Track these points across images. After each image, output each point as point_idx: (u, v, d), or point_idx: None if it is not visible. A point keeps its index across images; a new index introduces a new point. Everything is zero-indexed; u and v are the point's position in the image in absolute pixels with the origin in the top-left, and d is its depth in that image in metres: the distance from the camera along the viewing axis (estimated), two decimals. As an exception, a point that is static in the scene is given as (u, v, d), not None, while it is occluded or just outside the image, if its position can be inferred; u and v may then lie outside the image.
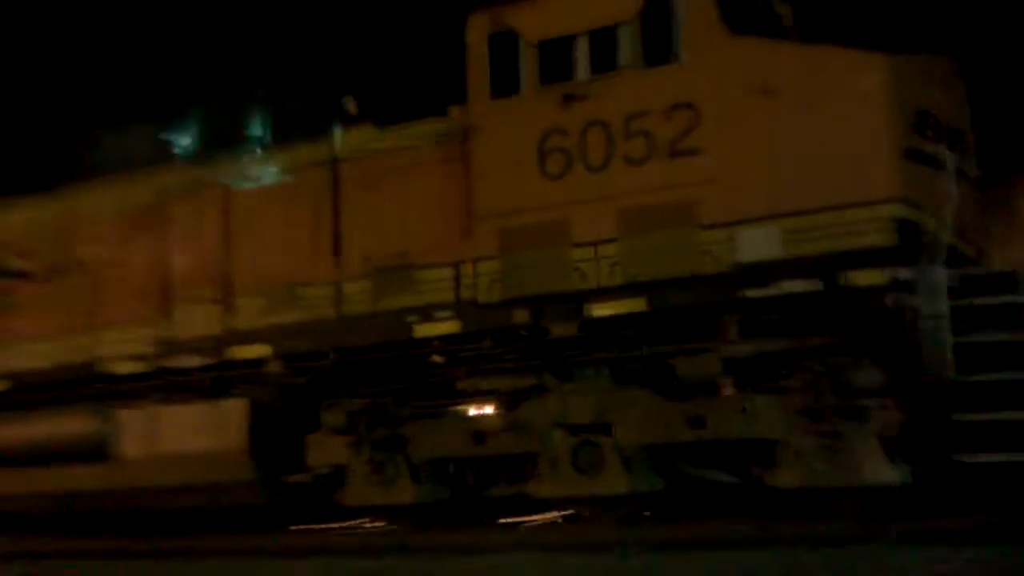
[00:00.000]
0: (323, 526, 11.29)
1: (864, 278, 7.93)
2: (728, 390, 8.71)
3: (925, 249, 7.87)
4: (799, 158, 8.24)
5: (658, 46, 8.73)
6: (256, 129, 11.42)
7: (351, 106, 10.75)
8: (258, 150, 11.22)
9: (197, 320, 11.01)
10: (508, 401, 9.55)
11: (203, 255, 11.04)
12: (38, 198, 12.51)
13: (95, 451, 11.14)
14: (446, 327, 9.48)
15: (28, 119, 16.62)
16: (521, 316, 9.19)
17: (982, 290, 7.94)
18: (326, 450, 10.46)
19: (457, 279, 9.43)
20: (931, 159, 8.30)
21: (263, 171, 10.89)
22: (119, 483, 11.17)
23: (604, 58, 8.88)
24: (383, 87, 11.71)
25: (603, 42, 8.89)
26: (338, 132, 10.44)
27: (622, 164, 8.71)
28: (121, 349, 11.49)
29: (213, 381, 10.95)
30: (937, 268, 7.86)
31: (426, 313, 9.57)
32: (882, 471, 7.83)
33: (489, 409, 9.85)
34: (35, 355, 12.12)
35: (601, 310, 8.83)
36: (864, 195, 7.99)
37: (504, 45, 9.28)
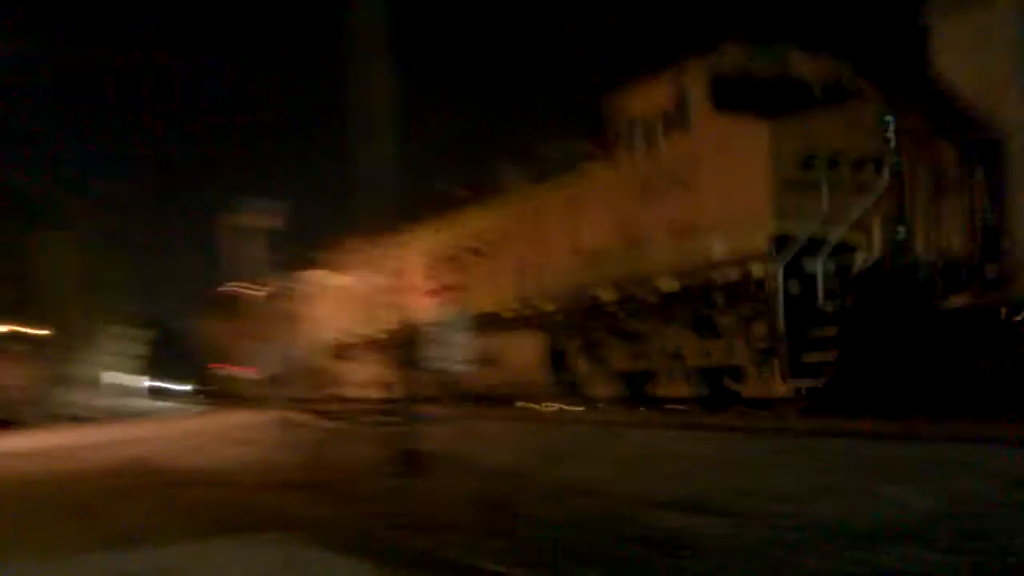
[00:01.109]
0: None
1: (757, 270, 12.85)
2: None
3: (794, 246, 12.41)
4: (729, 189, 13.26)
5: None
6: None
7: None
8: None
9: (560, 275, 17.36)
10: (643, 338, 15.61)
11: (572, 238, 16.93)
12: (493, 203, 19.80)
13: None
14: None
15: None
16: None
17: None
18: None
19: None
20: (813, 185, 12.51)
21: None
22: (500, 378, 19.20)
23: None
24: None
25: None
26: None
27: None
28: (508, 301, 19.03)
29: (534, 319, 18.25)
30: (809, 258, 12.28)
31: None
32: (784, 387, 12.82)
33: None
34: (480, 301, 19.72)
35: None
36: (757, 215, 12.80)
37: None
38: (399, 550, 7.46)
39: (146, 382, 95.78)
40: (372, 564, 6.92)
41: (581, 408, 16.53)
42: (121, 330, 57.26)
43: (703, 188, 13.85)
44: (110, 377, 67.72)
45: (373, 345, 23.88)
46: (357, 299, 24.89)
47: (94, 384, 60.36)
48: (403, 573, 6.64)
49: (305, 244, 30.78)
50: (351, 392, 26.01)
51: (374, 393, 24.24)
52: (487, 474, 11.07)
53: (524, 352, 18.83)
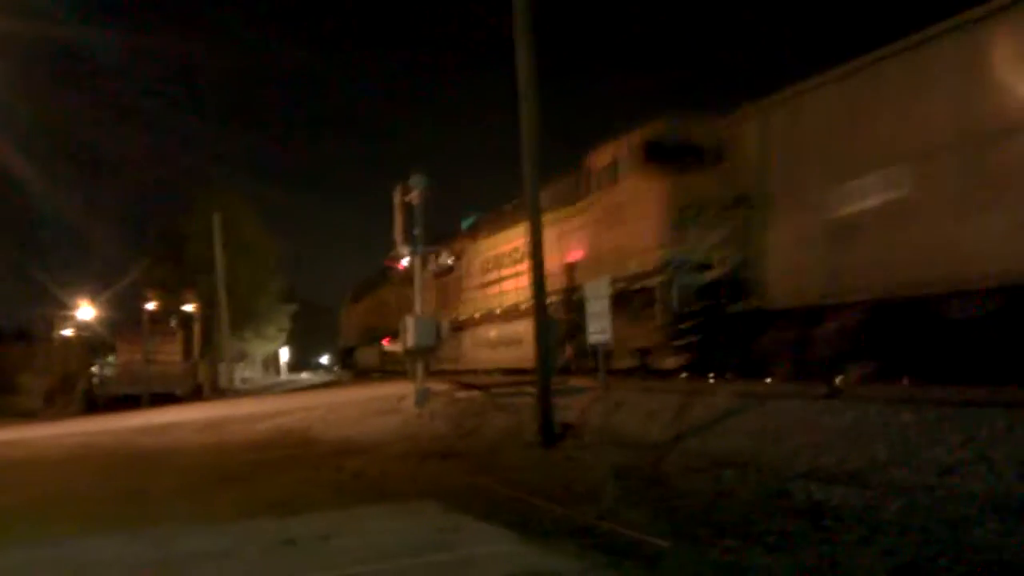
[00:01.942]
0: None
1: (653, 282, 17.72)
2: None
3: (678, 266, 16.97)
4: (640, 226, 18.27)
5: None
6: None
7: None
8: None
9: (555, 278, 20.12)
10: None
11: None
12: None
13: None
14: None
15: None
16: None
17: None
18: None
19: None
20: (690, 224, 16.92)
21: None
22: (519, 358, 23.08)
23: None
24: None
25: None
26: None
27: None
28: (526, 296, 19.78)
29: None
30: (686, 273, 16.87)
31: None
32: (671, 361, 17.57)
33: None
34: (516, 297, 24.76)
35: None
36: (655, 244, 17.74)
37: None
38: (541, 518, 7.65)
39: (292, 356, 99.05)
40: (516, 531, 7.13)
41: (712, 379, 16.43)
42: (269, 306, 59.25)
43: (628, 224, 19.20)
44: (259, 351, 70.25)
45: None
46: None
47: (245, 358, 62.79)
48: (546, 540, 6.81)
49: (454, 218, 31.87)
50: (491, 363, 26.58)
51: (514, 364, 24.70)
52: (624, 444, 11.17)
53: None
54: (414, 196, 18.37)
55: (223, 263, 40.36)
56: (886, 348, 12.59)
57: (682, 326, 16.95)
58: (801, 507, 7.41)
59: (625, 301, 17.82)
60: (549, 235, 19.12)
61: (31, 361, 41.45)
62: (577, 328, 19.06)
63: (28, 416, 32.96)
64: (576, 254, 21.48)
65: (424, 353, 18.50)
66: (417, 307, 18.77)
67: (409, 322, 17.95)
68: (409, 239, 18.81)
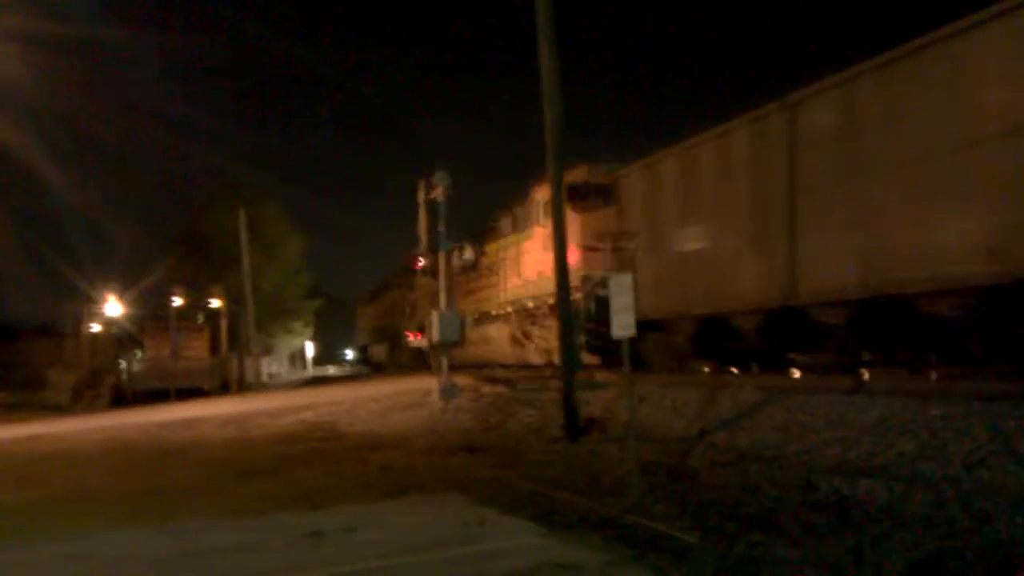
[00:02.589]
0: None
1: (578, 295, 19.40)
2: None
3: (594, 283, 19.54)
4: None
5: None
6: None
7: None
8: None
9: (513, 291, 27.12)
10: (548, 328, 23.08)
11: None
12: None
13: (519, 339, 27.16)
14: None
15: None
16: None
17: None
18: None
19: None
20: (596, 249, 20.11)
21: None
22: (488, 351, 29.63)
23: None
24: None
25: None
26: None
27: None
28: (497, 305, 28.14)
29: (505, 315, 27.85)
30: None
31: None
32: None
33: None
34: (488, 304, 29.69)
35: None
36: (576, 266, 19.48)
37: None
38: (566, 511, 7.65)
39: (317, 350, 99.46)
40: (541, 524, 7.13)
41: (740, 374, 16.44)
42: (295, 301, 59.49)
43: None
44: (285, 346, 70.61)
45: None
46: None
47: (271, 353, 63.10)
48: (571, 533, 6.82)
49: (478, 213, 32.60)
50: (516, 357, 26.87)
51: (536, 358, 25.03)
52: (650, 438, 11.16)
53: (502, 334, 28.60)
54: (438, 193, 18.42)
55: (249, 259, 40.60)
56: (711, 349, 18.20)
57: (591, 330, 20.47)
58: (827, 501, 7.39)
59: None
60: (511, 254, 27.49)
61: (59, 356, 41.89)
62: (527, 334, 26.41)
63: (56, 410, 33.30)
64: (531, 271, 25.67)
65: (449, 348, 18.54)
66: (442, 303, 18.82)
67: (434, 317, 18.00)
68: (433, 236, 18.89)
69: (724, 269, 17.09)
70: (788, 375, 15.12)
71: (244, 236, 40.40)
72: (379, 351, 50.79)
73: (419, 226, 19.15)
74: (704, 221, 17.70)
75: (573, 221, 20.14)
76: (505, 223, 28.16)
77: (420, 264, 19.90)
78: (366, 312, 57.04)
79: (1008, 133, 11.37)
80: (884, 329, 13.83)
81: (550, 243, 21.18)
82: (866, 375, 13.12)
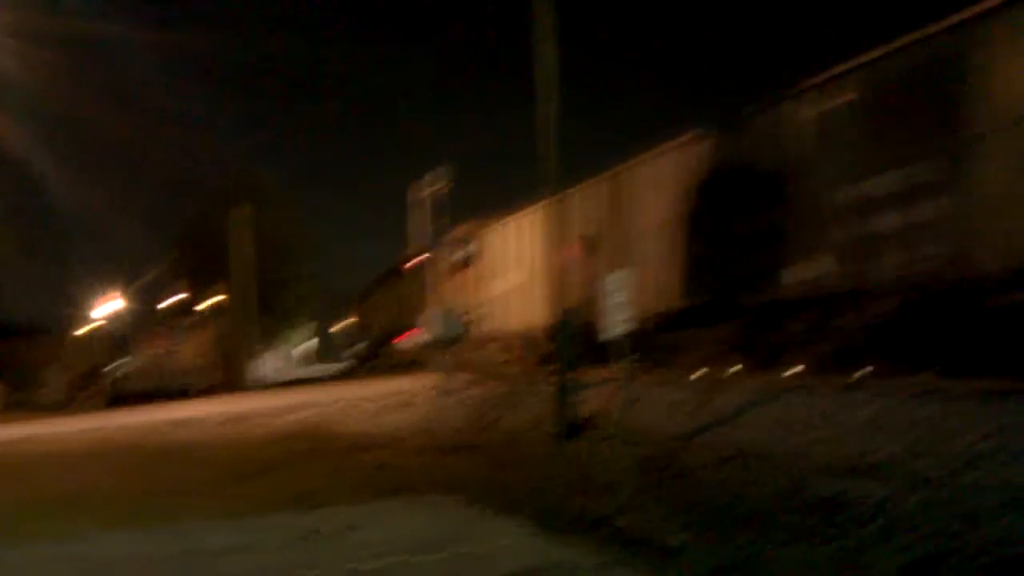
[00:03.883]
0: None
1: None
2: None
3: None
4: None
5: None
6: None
7: None
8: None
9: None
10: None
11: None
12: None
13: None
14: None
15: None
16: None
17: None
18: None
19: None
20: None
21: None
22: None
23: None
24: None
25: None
26: None
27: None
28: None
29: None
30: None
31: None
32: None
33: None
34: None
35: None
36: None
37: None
38: (561, 511, 7.68)
39: (312, 349, 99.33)
40: (535, 525, 7.16)
41: (732, 373, 16.42)
42: (297, 298, 59.36)
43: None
44: (283, 345, 70.52)
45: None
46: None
47: (272, 350, 63.03)
48: (565, 533, 6.85)
49: (471, 210, 32.72)
50: (509, 356, 26.78)
51: (531, 356, 24.92)
52: (644, 437, 11.18)
53: None
54: (433, 191, 18.45)
55: (252, 255, 40.55)
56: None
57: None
58: (820, 501, 7.40)
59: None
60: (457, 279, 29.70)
61: (56, 355, 41.80)
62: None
63: (53, 410, 33.25)
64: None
65: (445, 345, 18.59)
66: (436, 300, 18.84)
67: (432, 314, 18.04)
68: (424, 233, 18.94)
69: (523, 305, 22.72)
70: (782, 374, 15.06)
71: (245, 234, 40.36)
72: (374, 349, 51.49)
73: (409, 226, 19.21)
74: (510, 271, 23.97)
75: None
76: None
77: (413, 263, 19.92)
78: (361, 310, 57.59)
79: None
80: None
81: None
82: (860, 373, 13.08)
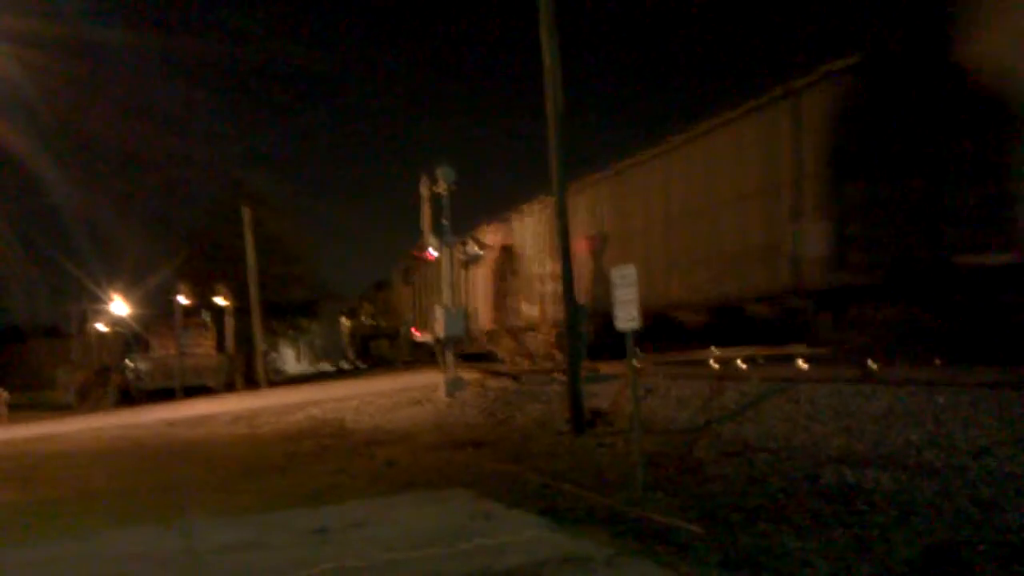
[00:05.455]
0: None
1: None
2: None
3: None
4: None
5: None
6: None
7: None
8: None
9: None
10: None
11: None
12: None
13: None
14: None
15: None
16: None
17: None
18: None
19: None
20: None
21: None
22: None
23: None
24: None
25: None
26: None
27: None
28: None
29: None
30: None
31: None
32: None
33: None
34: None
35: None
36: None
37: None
38: (573, 505, 7.66)
39: (326, 345, 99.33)
40: (549, 518, 7.14)
41: (746, 365, 16.34)
42: (302, 297, 59.41)
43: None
44: (293, 342, 70.63)
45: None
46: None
47: (279, 349, 63.13)
48: (578, 527, 6.82)
49: (481, 208, 33.00)
50: (520, 351, 26.82)
51: (542, 351, 24.92)
52: (656, 430, 11.16)
53: None
54: (441, 187, 18.39)
55: (254, 256, 40.62)
56: None
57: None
58: (834, 491, 7.38)
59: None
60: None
61: (66, 356, 41.92)
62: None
63: (63, 410, 33.37)
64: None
65: (454, 343, 18.56)
66: (446, 298, 18.82)
67: (439, 312, 18.01)
68: (434, 230, 18.91)
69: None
70: (793, 366, 14.95)
71: (248, 234, 40.42)
72: (382, 346, 51.84)
73: (422, 220, 19.17)
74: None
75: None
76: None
77: (432, 256, 19.83)
78: (368, 308, 58.14)
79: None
80: None
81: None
82: (873, 365, 12.99)
